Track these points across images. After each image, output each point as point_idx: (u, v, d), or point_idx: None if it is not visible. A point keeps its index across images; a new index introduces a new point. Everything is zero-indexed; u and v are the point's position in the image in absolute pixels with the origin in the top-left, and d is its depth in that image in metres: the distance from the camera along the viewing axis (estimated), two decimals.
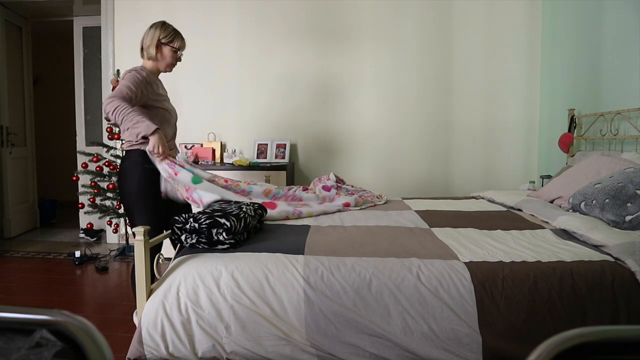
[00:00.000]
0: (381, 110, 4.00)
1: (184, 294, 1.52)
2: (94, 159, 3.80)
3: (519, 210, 2.52)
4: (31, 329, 0.41)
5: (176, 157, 2.30)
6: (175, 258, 1.75)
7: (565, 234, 1.93)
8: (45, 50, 6.31)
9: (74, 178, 4.10)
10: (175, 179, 2.14)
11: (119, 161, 3.85)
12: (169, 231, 1.80)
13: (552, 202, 2.49)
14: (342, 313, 1.47)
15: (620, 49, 2.81)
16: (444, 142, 4.00)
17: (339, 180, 3.01)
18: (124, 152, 2.20)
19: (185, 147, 3.88)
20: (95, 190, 3.82)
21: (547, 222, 2.16)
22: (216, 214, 1.73)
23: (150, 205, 2.14)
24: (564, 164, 3.24)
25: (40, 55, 6.12)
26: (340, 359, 1.45)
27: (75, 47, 4.80)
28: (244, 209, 1.86)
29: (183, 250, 1.76)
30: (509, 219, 2.29)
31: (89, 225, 4.44)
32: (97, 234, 4.46)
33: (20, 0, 4.43)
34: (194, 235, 1.72)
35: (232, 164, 3.74)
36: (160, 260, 1.72)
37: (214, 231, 1.68)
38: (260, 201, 2.27)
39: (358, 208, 2.61)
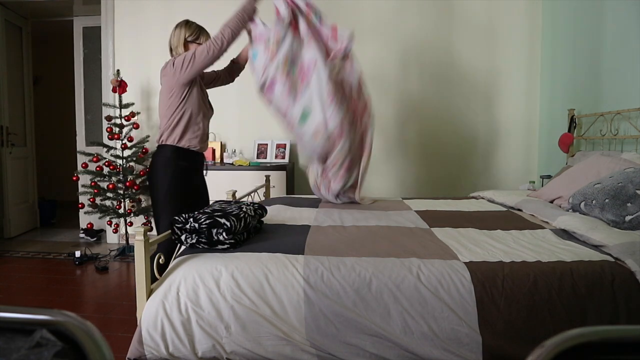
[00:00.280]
0: (381, 110, 3.99)
1: (184, 294, 1.52)
2: (94, 159, 3.80)
3: (519, 210, 2.52)
4: (31, 329, 0.41)
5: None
6: (175, 258, 1.75)
7: (565, 234, 1.93)
8: (45, 50, 6.31)
9: (74, 178, 4.10)
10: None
11: (119, 161, 3.86)
12: (169, 231, 1.80)
13: (552, 202, 2.50)
14: (342, 313, 1.47)
15: (620, 49, 2.81)
16: (444, 142, 4.00)
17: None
18: (157, 146, 2.27)
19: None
20: (96, 190, 3.82)
21: (547, 222, 2.16)
22: (216, 214, 1.73)
23: (178, 204, 2.19)
24: (564, 164, 3.24)
25: (40, 55, 6.12)
26: (340, 359, 1.45)
27: (75, 47, 4.80)
28: (244, 209, 1.86)
29: (183, 250, 1.76)
30: (509, 219, 2.29)
31: (89, 225, 4.44)
32: (97, 234, 4.46)
33: (20, 0, 4.43)
34: (194, 235, 1.72)
35: (232, 164, 3.74)
36: (161, 261, 1.72)
37: (214, 231, 1.68)
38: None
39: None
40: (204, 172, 2.45)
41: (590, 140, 3.15)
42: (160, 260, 1.72)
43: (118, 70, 3.88)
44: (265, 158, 3.92)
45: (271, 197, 3.25)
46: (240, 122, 4.07)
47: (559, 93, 3.61)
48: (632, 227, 1.84)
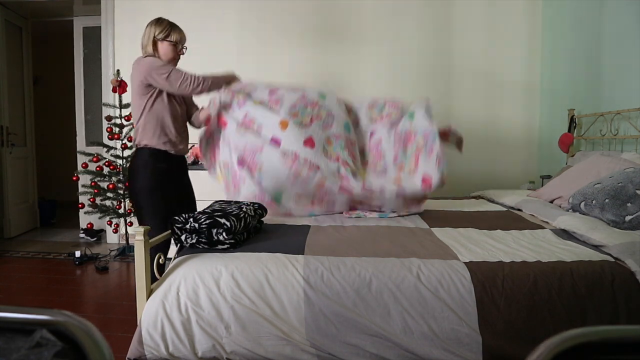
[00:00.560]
0: None
1: (184, 294, 1.52)
2: (94, 159, 3.80)
3: (519, 210, 2.52)
4: (31, 329, 0.41)
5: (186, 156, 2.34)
6: (175, 258, 1.75)
7: (565, 234, 1.93)
8: (45, 50, 6.30)
9: (74, 178, 4.10)
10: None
11: (119, 161, 3.85)
12: (169, 231, 1.80)
13: (552, 202, 2.50)
14: (342, 313, 1.47)
15: (620, 49, 2.81)
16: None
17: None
18: (135, 149, 2.21)
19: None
20: (96, 190, 3.81)
21: (547, 222, 2.16)
22: (216, 213, 1.73)
23: (160, 204, 2.13)
24: (564, 164, 3.24)
25: (40, 55, 6.12)
26: (340, 359, 1.45)
27: (75, 47, 4.80)
28: (244, 209, 1.86)
29: (183, 250, 1.76)
30: (509, 219, 2.29)
31: (89, 225, 4.44)
32: (97, 234, 4.46)
33: (20, 0, 4.43)
34: (194, 235, 1.72)
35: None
36: (161, 260, 1.72)
37: (214, 231, 1.68)
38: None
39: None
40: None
41: (590, 140, 3.15)
42: (161, 260, 1.72)
43: (118, 70, 3.87)
44: None
45: None
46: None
47: (559, 93, 3.61)
48: (632, 227, 1.84)
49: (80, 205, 4.15)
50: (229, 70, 2.40)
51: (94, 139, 4.24)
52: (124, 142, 3.87)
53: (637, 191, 1.88)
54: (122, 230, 4.19)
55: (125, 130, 3.91)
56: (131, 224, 3.93)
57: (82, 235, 4.52)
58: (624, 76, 2.76)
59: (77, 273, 3.42)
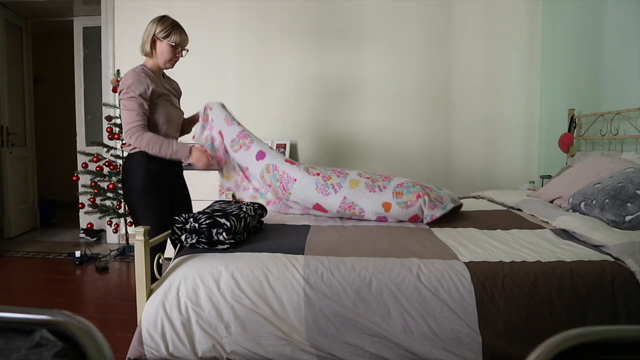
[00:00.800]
0: (381, 110, 4.00)
1: (184, 294, 1.52)
2: (94, 159, 3.80)
3: (519, 210, 2.52)
4: (31, 329, 0.41)
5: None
6: (175, 258, 1.75)
7: (565, 234, 1.93)
8: (45, 50, 6.31)
9: (74, 178, 4.10)
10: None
11: (119, 161, 3.85)
12: (169, 231, 1.80)
13: (552, 202, 2.49)
14: (342, 313, 1.47)
15: (620, 49, 2.81)
16: (445, 142, 4.00)
17: None
18: (127, 153, 2.17)
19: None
20: (96, 190, 3.81)
21: (547, 222, 2.16)
22: (216, 214, 1.73)
23: (154, 204, 2.10)
24: (564, 164, 3.24)
25: (40, 55, 6.12)
26: (340, 359, 1.45)
27: (75, 47, 4.80)
28: (244, 209, 1.86)
29: (183, 250, 1.76)
30: (509, 219, 2.29)
31: (89, 225, 4.44)
32: (97, 234, 4.46)
33: (20, 0, 4.43)
34: (194, 235, 1.72)
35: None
36: (161, 260, 1.72)
37: (214, 231, 1.68)
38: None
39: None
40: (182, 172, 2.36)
41: (590, 140, 3.15)
42: (161, 260, 1.72)
43: (118, 70, 3.87)
44: None
45: None
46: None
47: (559, 93, 3.61)
48: (632, 227, 1.84)
49: (80, 205, 4.15)
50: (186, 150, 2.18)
51: (94, 139, 4.24)
52: (124, 142, 3.87)
53: (637, 191, 1.88)
54: (122, 230, 4.19)
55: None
56: (131, 224, 3.93)
57: (82, 235, 4.52)
58: (624, 76, 2.76)
59: (77, 273, 3.42)
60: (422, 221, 2.18)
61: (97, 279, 3.30)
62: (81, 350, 0.42)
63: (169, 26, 2.12)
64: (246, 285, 1.52)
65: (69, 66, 4.95)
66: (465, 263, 1.57)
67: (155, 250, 1.81)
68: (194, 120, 2.44)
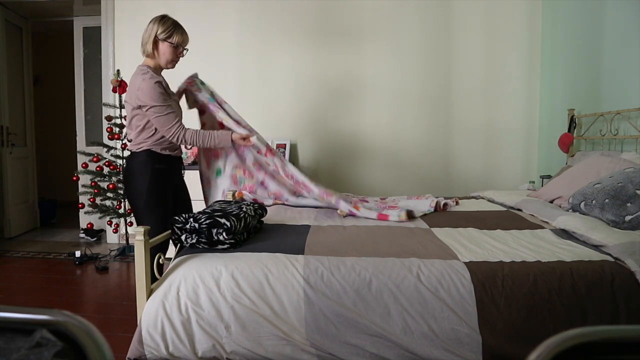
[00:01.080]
0: (381, 110, 4.00)
1: (184, 294, 1.52)
2: (94, 159, 3.80)
3: (519, 210, 2.52)
4: (31, 329, 0.41)
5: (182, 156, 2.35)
6: (175, 258, 1.75)
7: (565, 234, 1.93)
8: (45, 50, 6.31)
9: (74, 178, 4.10)
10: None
11: (119, 161, 3.85)
12: (169, 231, 1.80)
13: (552, 202, 2.49)
14: (342, 313, 1.47)
15: (620, 49, 2.81)
16: (444, 142, 4.00)
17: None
18: (130, 152, 2.17)
19: (185, 147, 3.88)
20: (96, 190, 3.81)
21: (547, 222, 2.16)
22: (216, 214, 1.73)
23: (158, 205, 2.11)
24: (564, 164, 3.24)
25: (40, 55, 6.12)
26: (340, 359, 1.45)
27: (75, 47, 4.80)
28: (244, 209, 1.86)
29: (183, 250, 1.76)
30: (509, 219, 2.29)
31: (89, 225, 4.44)
32: (97, 234, 4.46)
33: (20, 0, 4.43)
34: (194, 235, 1.72)
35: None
36: (161, 260, 1.72)
37: (214, 231, 1.68)
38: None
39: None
40: (182, 172, 2.38)
41: (590, 140, 3.15)
42: (161, 260, 1.72)
43: (118, 70, 3.87)
44: None
45: None
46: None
47: (559, 93, 3.61)
48: (632, 227, 1.84)
49: (80, 205, 4.15)
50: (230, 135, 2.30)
51: (94, 139, 4.24)
52: (124, 142, 3.87)
53: (637, 191, 1.88)
54: (122, 230, 4.19)
55: (125, 130, 3.91)
56: (131, 224, 3.93)
57: (82, 235, 4.52)
58: (624, 76, 2.76)
59: (77, 273, 3.42)
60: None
61: (97, 279, 3.30)
62: (81, 350, 0.42)
63: (171, 26, 2.12)
64: (246, 285, 1.52)
65: (69, 66, 4.95)
66: (465, 263, 1.57)
67: (156, 250, 1.81)
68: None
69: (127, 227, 3.93)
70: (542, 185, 3.35)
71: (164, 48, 2.12)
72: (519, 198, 2.66)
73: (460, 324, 1.45)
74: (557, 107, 3.62)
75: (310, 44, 3.99)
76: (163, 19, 2.13)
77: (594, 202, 2.02)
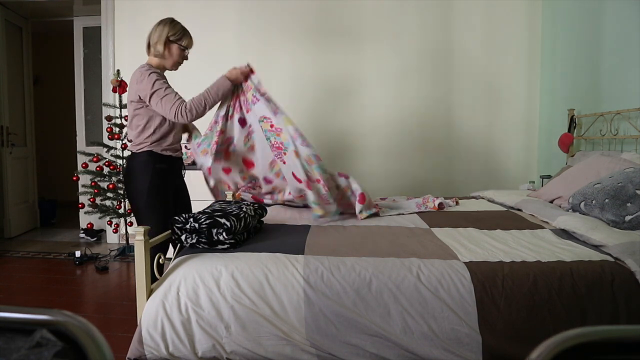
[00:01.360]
0: (381, 110, 4.00)
1: (184, 293, 1.52)
2: (94, 159, 3.80)
3: (519, 210, 2.52)
4: (31, 329, 0.41)
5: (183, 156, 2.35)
6: (175, 258, 1.75)
7: (565, 234, 1.93)
8: (45, 50, 6.30)
9: (74, 178, 4.10)
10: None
11: (119, 161, 3.85)
12: (169, 231, 1.80)
13: (552, 202, 2.49)
14: (342, 313, 1.47)
15: (620, 49, 2.81)
16: (444, 142, 4.00)
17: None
18: (131, 153, 2.19)
19: (186, 147, 3.88)
20: (96, 190, 3.81)
21: (547, 222, 2.16)
22: (216, 214, 1.73)
23: (159, 205, 2.13)
24: (564, 164, 3.24)
25: (40, 55, 6.12)
26: (340, 359, 1.45)
27: (75, 47, 4.80)
28: (244, 209, 1.86)
29: (183, 250, 1.76)
30: (509, 219, 2.29)
31: (89, 225, 4.44)
32: (97, 234, 4.46)
33: (20, 0, 4.43)
34: (194, 235, 1.72)
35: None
36: (161, 260, 1.72)
37: (214, 231, 1.68)
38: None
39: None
40: (183, 172, 2.39)
41: (590, 140, 3.15)
42: (161, 260, 1.72)
43: (118, 70, 3.87)
44: None
45: None
46: None
47: (559, 93, 3.61)
48: (632, 227, 1.84)
49: (80, 205, 4.15)
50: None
51: (94, 139, 4.24)
52: (124, 142, 3.87)
53: (637, 191, 1.88)
54: (122, 230, 4.19)
55: (125, 130, 3.91)
56: (131, 224, 3.93)
57: (82, 235, 4.52)
58: (624, 76, 2.76)
59: (77, 273, 3.42)
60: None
61: (97, 279, 3.30)
62: (81, 350, 0.42)
63: (180, 30, 2.22)
64: (246, 285, 1.52)
65: (69, 66, 4.95)
66: (465, 263, 1.57)
67: (156, 250, 1.82)
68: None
69: (127, 227, 3.93)
70: (542, 185, 3.35)
71: (174, 49, 2.20)
72: (519, 198, 2.66)
73: (460, 324, 1.45)
74: (557, 107, 3.62)
75: (310, 44, 3.99)
76: (173, 22, 2.22)
77: (594, 202, 2.02)
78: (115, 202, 3.89)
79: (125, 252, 3.90)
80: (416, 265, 1.56)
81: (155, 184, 2.12)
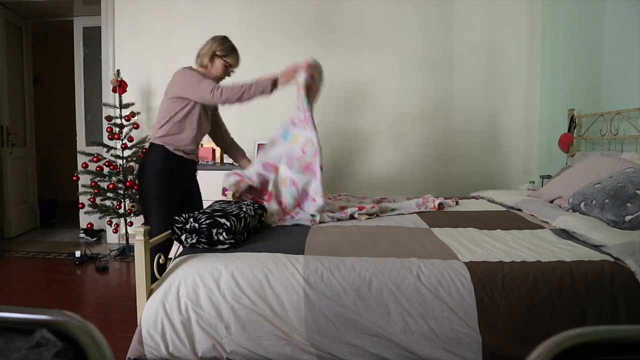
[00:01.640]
0: (381, 111, 4.00)
1: (184, 293, 1.52)
2: (94, 159, 3.80)
3: (519, 210, 2.52)
4: (31, 329, 0.41)
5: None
6: (175, 258, 1.75)
7: (565, 234, 1.93)
8: (45, 50, 6.30)
9: (74, 178, 4.10)
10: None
11: (119, 161, 3.85)
12: (169, 231, 1.80)
13: (552, 202, 2.49)
14: (342, 313, 1.47)
15: (620, 49, 2.81)
16: (445, 142, 4.00)
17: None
18: (150, 143, 2.29)
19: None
20: (96, 190, 3.81)
21: (547, 222, 2.15)
22: (216, 214, 1.73)
23: (165, 196, 2.20)
24: (564, 164, 3.24)
25: (40, 55, 6.11)
26: (340, 359, 1.45)
27: (75, 47, 4.80)
28: (244, 209, 1.86)
29: (183, 250, 1.76)
30: (509, 219, 2.29)
31: (89, 225, 4.44)
32: (97, 234, 4.46)
33: (20, 0, 4.43)
34: (194, 235, 1.72)
35: (232, 164, 3.74)
36: (161, 260, 1.72)
37: (214, 231, 1.68)
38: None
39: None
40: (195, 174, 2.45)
41: (590, 140, 3.14)
42: (161, 260, 1.72)
43: (118, 70, 3.87)
44: None
45: None
46: (241, 122, 4.06)
47: (559, 93, 3.61)
48: (632, 227, 1.84)
49: (80, 205, 4.15)
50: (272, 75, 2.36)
51: (94, 139, 4.24)
52: (124, 142, 3.87)
53: (637, 191, 1.88)
54: (122, 230, 4.19)
55: (125, 130, 3.91)
56: (131, 224, 3.93)
57: (82, 235, 4.52)
58: (624, 76, 2.76)
59: (77, 273, 3.42)
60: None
61: (97, 279, 3.30)
62: (81, 350, 0.42)
63: (229, 48, 2.33)
64: (246, 285, 1.52)
65: (69, 66, 4.95)
66: (465, 263, 1.57)
67: (161, 249, 1.83)
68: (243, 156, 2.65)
69: (127, 227, 3.93)
70: (542, 185, 3.35)
71: (218, 64, 2.31)
72: (519, 198, 2.66)
73: (460, 324, 1.45)
74: (557, 107, 3.62)
75: (311, 43, 3.99)
76: (224, 39, 2.33)
77: (594, 202, 2.02)
78: (115, 202, 3.89)
79: (125, 252, 3.90)
80: (416, 265, 1.56)
81: (162, 177, 2.20)
